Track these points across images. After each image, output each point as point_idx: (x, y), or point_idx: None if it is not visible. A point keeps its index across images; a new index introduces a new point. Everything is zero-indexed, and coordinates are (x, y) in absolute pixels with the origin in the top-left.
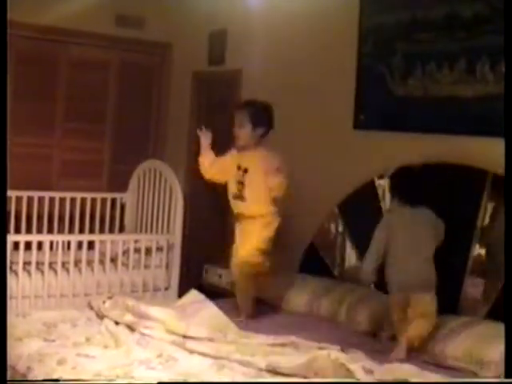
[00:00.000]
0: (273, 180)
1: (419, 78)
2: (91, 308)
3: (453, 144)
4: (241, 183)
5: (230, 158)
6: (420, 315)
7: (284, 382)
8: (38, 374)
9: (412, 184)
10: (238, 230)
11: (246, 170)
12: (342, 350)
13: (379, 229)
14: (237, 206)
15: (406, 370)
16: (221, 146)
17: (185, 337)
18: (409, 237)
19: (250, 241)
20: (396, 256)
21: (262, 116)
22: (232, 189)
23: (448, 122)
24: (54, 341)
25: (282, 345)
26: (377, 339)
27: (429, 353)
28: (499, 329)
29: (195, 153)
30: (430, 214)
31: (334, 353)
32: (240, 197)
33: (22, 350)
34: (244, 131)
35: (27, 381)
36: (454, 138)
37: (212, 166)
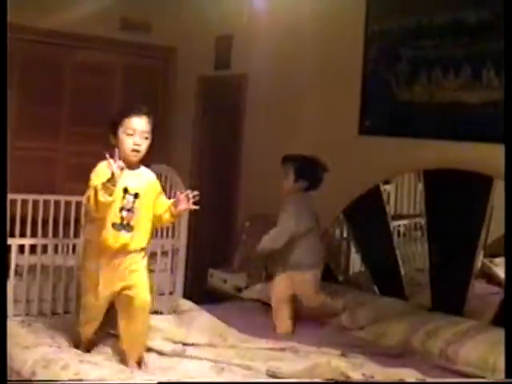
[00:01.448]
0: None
1: (424, 84)
2: None
3: (458, 150)
4: (128, 210)
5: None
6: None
7: (283, 382)
8: (42, 379)
9: (315, 170)
10: (111, 267)
11: (136, 195)
12: (343, 355)
13: (292, 210)
14: (117, 238)
15: (407, 375)
16: (224, 151)
17: (184, 344)
18: (311, 218)
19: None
20: (301, 237)
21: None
22: (112, 217)
23: (453, 128)
24: (58, 347)
25: (282, 349)
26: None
27: (441, 355)
28: None
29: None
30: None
31: (334, 360)
32: (125, 226)
33: (27, 356)
34: (146, 145)
35: (26, 381)
36: (459, 143)
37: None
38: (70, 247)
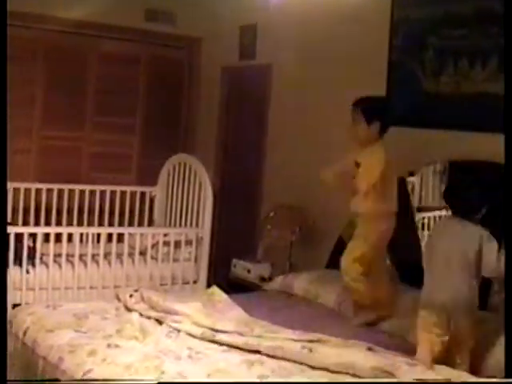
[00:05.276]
0: None
1: (451, 75)
2: (119, 300)
3: (484, 141)
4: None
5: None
6: (459, 343)
7: (288, 382)
8: (70, 365)
9: (467, 196)
10: None
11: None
12: (370, 349)
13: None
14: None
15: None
16: (249, 140)
17: (213, 330)
18: (452, 251)
19: None
20: (435, 271)
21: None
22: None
23: (479, 119)
24: (84, 332)
25: (309, 341)
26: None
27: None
28: None
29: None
30: (482, 231)
31: (370, 363)
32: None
33: (53, 341)
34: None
35: (27, 381)
36: (485, 135)
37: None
38: (95, 236)
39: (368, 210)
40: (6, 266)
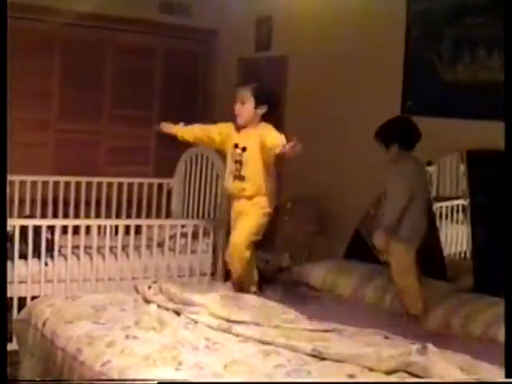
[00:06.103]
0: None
1: (468, 64)
2: (137, 292)
3: (501, 130)
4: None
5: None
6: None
7: (288, 382)
8: (88, 356)
9: (411, 132)
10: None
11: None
12: (387, 337)
13: (402, 182)
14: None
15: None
16: None
17: (229, 321)
18: (419, 186)
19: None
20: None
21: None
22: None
23: (497, 108)
24: (103, 324)
25: (326, 331)
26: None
27: (482, 337)
28: None
29: None
30: (421, 163)
31: (383, 352)
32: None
33: (72, 332)
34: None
35: (27, 380)
36: (503, 124)
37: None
38: (113, 228)
39: (249, 192)
40: (6, 262)
